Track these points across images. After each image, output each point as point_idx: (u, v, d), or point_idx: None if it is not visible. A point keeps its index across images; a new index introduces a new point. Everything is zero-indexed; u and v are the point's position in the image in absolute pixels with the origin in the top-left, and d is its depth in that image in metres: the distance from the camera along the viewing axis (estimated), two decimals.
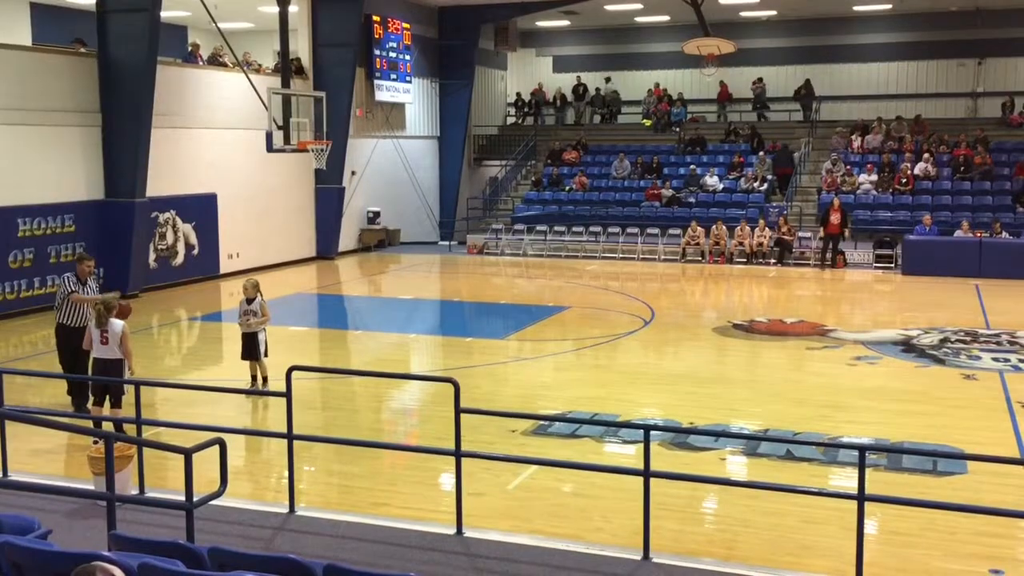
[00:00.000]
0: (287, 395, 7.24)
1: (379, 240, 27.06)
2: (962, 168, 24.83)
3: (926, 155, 25.28)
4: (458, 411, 6.77)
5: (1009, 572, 6.48)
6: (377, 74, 25.78)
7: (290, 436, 7.25)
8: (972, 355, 13.23)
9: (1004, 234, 21.49)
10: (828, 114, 28.31)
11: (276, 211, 22.94)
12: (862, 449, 6.07)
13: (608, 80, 31.55)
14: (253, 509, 7.34)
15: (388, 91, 26.39)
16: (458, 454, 6.78)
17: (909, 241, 21.78)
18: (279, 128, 18.58)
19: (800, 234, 23.61)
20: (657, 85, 30.36)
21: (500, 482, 8.15)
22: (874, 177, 25.11)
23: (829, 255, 22.45)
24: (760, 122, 29.10)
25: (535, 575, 6.04)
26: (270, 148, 18.75)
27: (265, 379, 11.34)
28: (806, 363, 13.22)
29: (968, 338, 14.30)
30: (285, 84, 19.88)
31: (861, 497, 5.82)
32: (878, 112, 27.38)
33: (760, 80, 29.54)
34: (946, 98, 27.32)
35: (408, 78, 27.20)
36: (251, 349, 11.30)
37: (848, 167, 25.68)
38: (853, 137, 26.81)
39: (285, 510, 7.22)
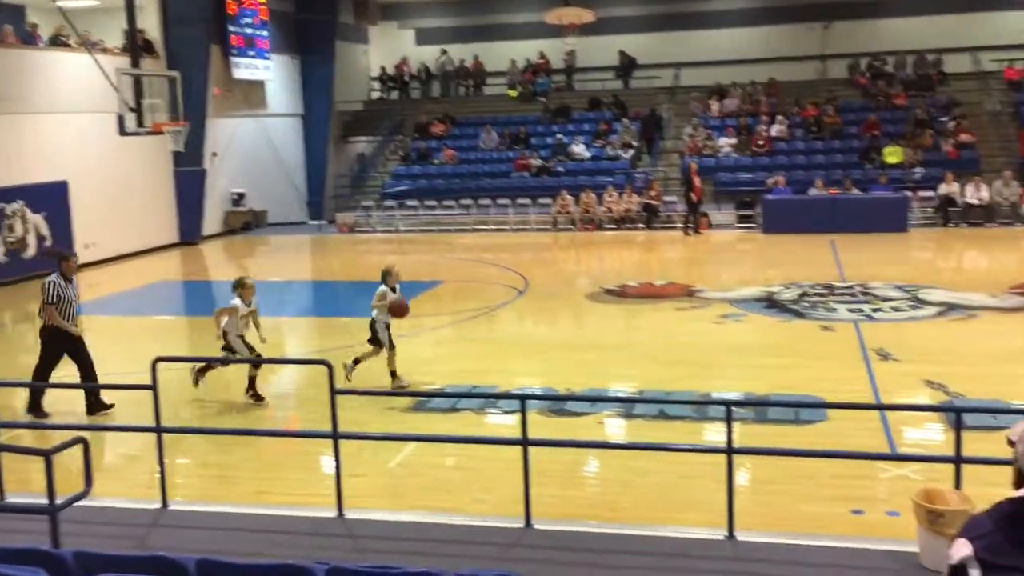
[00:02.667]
0: (153, 387, 6.98)
1: (245, 222, 26.36)
2: (814, 128, 25.87)
3: (780, 117, 26.23)
4: (333, 393, 6.68)
5: (868, 511, 6.85)
6: (233, 51, 24.97)
7: (159, 429, 7.01)
8: (829, 307, 13.86)
9: (855, 190, 22.53)
10: (689, 79, 28.97)
11: (133, 197, 22.02)
12: (729, 404, 6.29)
13: (442, 51, 31.37)
14: (124, 508, 7.08)
15: (246, 68, 25.61)
16: (335, 436, 6.69)
17: (768, 201, 22.60)
18: (132, 110, 17.79)
19: (666, 198, 24.18)
20: (541, 55, 30.39)
21: (380, 461, 8.11)
22: (733, 140, 25.91)
23: (692, 218, 23.07)
24: (623, 89, 29.55)
25: (418, 551, 6.04)
26: (123, 131, 17.97)
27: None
28: (676, 324, 13.58)
29: (825, 291, 14.98)
30: (135, 64, 19.02)
31: (730, 450, 6.03)
32: (734, 77, 28.19)
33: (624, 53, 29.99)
34: (796, 61, 28.31)
35: (266, 55, 26.46)
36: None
37: (708, 131, 26.41)
38: (711, 102, 27.56)
39: (158, 506, 6.99)
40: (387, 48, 32.49)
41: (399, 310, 10.56)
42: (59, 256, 10.14)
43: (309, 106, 28.81)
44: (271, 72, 26.87)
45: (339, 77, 29.31)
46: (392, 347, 10.59)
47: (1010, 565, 2.49)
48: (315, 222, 27.80)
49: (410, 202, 26.17)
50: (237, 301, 10.14)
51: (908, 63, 27.61)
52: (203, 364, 10.42)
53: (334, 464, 6.73)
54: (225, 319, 10.12)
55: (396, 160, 28.60)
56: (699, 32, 29.56)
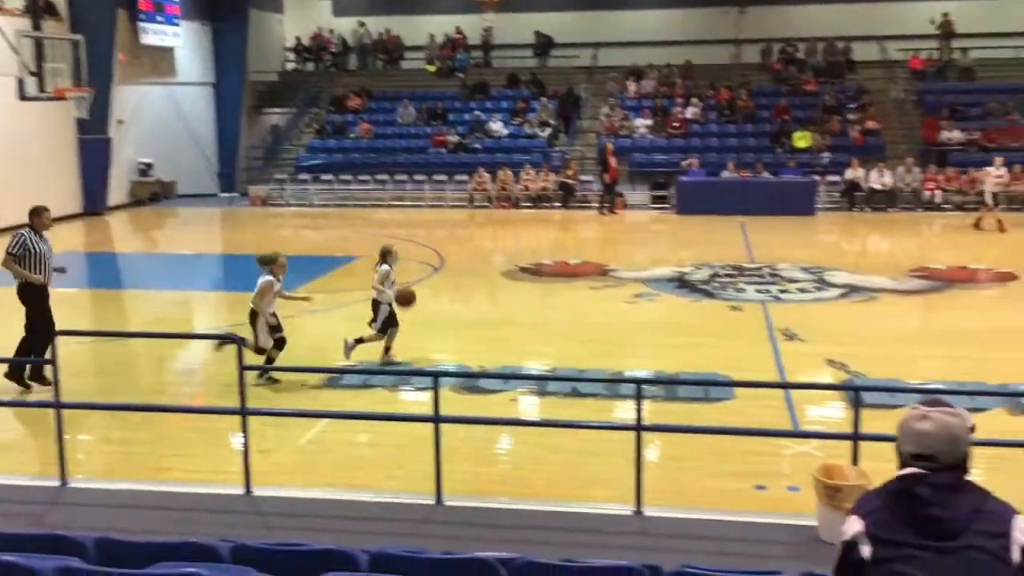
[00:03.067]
0: (52, 362, 6.76)
1: (153, 193, 25.65)
2: (727, 112, 26.32)
3: (695, 100, 26.60)
4: (241, 368, 6.56)
5: (771, 486, 7.04)
6: (141, 16, 24.18)
7: (58, 405, 6.80)
8: (738, 288, 14.16)
9: (765, 173, 23.02)
10: (606, 60, 29.14)
11: (33, 165, 21.19)
12: (639, 382, 6.38)
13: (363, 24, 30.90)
14: (21, 485, 6.86)
15: (155, 35, 24.83)
16: (244, 412, 6.58)
17: (682, 182, 22.94)
18: (32, 74, 17.12)
19: (583, 178, 24.33)
20: (458, 30, 30.13)
21: (291, 437, 8.01)
22: (649, 121, 26.18)
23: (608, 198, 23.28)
24: (541, 68, 29.57)
25: (328, 528, 5.99)
26: (23, 96, 17.28)
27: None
28: (590, 303, 13.70)
29: (735, 272, 15.29)
30: (36, 26, 18.29)
31: (639, 428, 6.13)
32: (651, 58, 28.44)
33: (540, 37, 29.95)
34: (712, 45, 28.72)
35: (176, 20, 25.68)
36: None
37: (625, 112, 26.63)
38: (628, 83, 27.78)
39: (57, 483, 6.79)
40: (303, 18, 31.86)
41: (407, 300, 10.41)
42: (32, 210, 9.72)
43: (221, 75, 28.10)
44: (181, 39, 26.10)
45: (253, 46, 28.64)
46: (395, 326, 10.40)
47: (898, 540, 2.59)
48: (226, 194, 27.20)
49: (325, 176, 25.80)
50: (270, 278, 9.64)
51: (818, 50, 28.26)
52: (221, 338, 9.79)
53: (242, 441, 6.63)
54: (265, 300, 9.61)
55: (311, 133, 28.13)
56: (617, 12, 29.73)
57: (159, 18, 24.93)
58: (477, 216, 23.41)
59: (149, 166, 25.59)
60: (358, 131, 27.12)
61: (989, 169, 20.36)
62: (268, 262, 9.72)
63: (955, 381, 9.35)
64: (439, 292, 14.73)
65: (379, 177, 25.57)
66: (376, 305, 10.35)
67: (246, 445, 6.59)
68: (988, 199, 19.95)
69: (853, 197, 22.82)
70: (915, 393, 8.06)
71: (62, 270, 9.81)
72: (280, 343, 9.69)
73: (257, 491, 6.59)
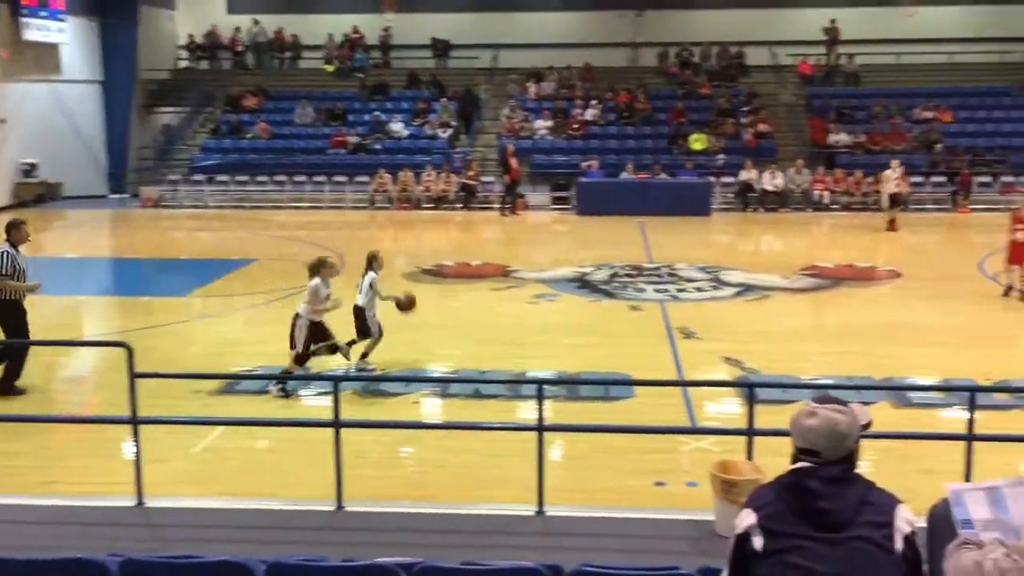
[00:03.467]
0: None
1: (38, 195, 24.65)
2: (626, 114, 26.72)
3: (594, 102, 26.92)
4: (132, 376, 6.34)
5: (670, 482, 7.17)
6: (24, 11, 23.23)
7: None
8: (637, 288, 14.38)
9: (663, 174, 23.44)
10: (507, 61, 29.23)
11: None
12: (540, 383, 6.41)
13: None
14: None
15: (38, 30, 23.88)
16: (135, 421, 6.36)
17: (582, 183, 23.18)
18: None
19: (484, 179, 24.36)
20: (355, 29, 29.77)
21: (186, 446, 7.79)
22: (549, 123, 26.38)
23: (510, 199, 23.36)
24: (441, 69, 29.50)
25: (224, 538, 5.83)
26: None
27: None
28: (492, 304, 13.72)
29: (634, 272, 15.52)
30: None
31: (540, 428, 6.15)
32: (551, 60, 28.67)
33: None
34: (610, 48, 29.11)
35: (61, 16, 24.74)
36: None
37: (525, 113, 26.78)
38: (529, 84, 27.94)
39: None
40: (196, 15, 31.07)
41: (409, 306, 10.29)
42: (9, 224, 9.54)
43: (110, 73, 27.17)
44: (66, 35, 25.16)
45: (143, 43, 27.80)
46: (380, 335, 10.12)
47: (789, 532, 2.66)
48: (116, 196, 26.32)
49: (221, 177, 25.21)
50: (317, 282, 9.35)
51: (713, 54, 28.93)
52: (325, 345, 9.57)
53: (134, 450, 6.40)
54: (304, 306, 9.35)
55: (206, 133, 27.45)
56: (517, 14, 29.88)
57: (43, 13, 23.98)
58: (378, 218, 23.21)
59: (33, 166, 24.59)
60: (255, 131, 26.59)
61: (887, 172, 21.03)
62: (316, 267, 9.50)
63: (844, 376, 9.69)
64: (339, 295, 14.52)
65: (277, 178, 25.12)
66: (361, 312, 10.05)
67: (138, 455, 6.37)
68: (884, 202, 20.65)
69: (747, 198, 23.43)
70: (806, 389, 8.33)
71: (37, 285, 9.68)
72: (307, 354, 9.45)
73: (150, 502, 6.37)
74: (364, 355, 10.15)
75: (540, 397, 6.23)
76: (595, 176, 23.67)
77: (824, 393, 2.93)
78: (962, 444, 6.04)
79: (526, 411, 8.76)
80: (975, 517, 2.62)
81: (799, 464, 2.75)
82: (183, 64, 30.57)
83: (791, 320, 12.71)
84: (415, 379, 9.65)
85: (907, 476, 6.29)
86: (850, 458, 2.76)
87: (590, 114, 26.60)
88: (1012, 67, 27.74)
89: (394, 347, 11.14)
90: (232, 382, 9.58)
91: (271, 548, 5.18)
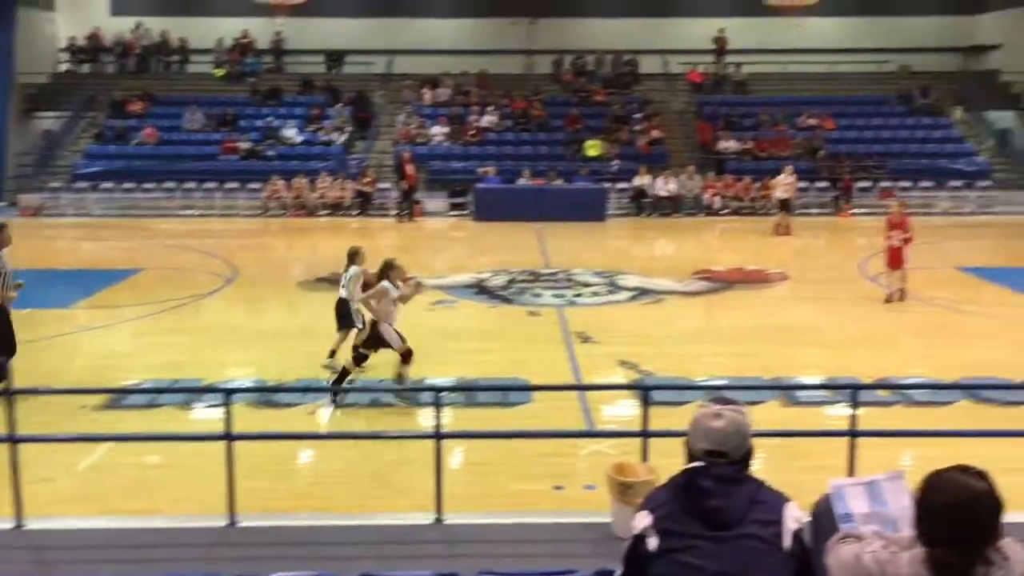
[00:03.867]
0: None
1: None
2: (522, 120, 26.90)
3: (490, 108, 27.02)
4: (9, 393, 6.06)
5: (569, 486, 7.22)
6: None
7: None
8: (535, 293, 14.47)
9: (559, 180, 23.67)
10: (402, 67, 29.08)
11: None
12: (438, 390, 6.38)
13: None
14: None
15: None
16: (12, 440, 6.07)
17: (479, 190, 23.23)
18: None
19: (380, 185, 24.17)
20: (244, 34, 29.15)
21: (70, 464, 7.48)
22: (446, 129, 26.36)
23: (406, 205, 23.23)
24: (335, 74, 29.16)
25: (110, 559, 5.62)
26: None
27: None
28: None
29: (531, 278, 15.62)
30: None
31: (438, 435, 6.12)
32: (447, 67, 28.65)
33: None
34: (505, 55, 29.25)
35: None
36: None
37: (421, 119, 26.69)
38: (424, 91, 27.86)
39: None
40: (77, 17, 29.95)
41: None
42: None
43: None
44: None
45: (21, 46, 26.63)
46: (360, 329, 10.00)
47: (682, 531, 2.70)
48: None
49: (105, 184, 24.36)
50: (386, 284, 9.42)
51: (607, 62, 29.38)
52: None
53: (11, 471, 6.11)
54: (375, 303, 9.39)
55: (89, 139, 26.49)
56: (411, 20, 29.77)
57: None
58: (272, 225, 22.78)
59: None
60: (141, 137, 25.79)
61: (779, 177, 21.62)
62: (386, 268, 9.59)
63: (736, 377, 9.93)
64: (232, 304, 14.22)
65: (166, 185, 24.42)
66: (343, 305, 10.08)
67: (15, 475, 6.08)
68: (778, 205, 21.22)
69: (641, 203, 23.85)
70: (700, 390, 8.51)
71: (21, 286, 9.52)
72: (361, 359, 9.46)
73: (31, 524, 6.09)
74: (332, 353, 10.25)
75: (438, 404, 6.20)
76: (492, 182, 23.75)
77: (719, 394, 2.99)
78: (846, 440, 6.25)
79: (425, 419, 8.72)
80: (855, 511, 2.71)
81: (693, 464, 2.79)
82: (64, 67, 29.44)
83: (685, 323, 12.97)
84: (311, 389, 9.49)
85: (796, 473, 6.47)
86: (747, 458, 2.82)
87: (486, 121, 26.69)
88: (889, 77, 29.00)
89: (288, 356, 10.97)
90: (119, 396, 9.25)
91: (160, 567, 5.01)
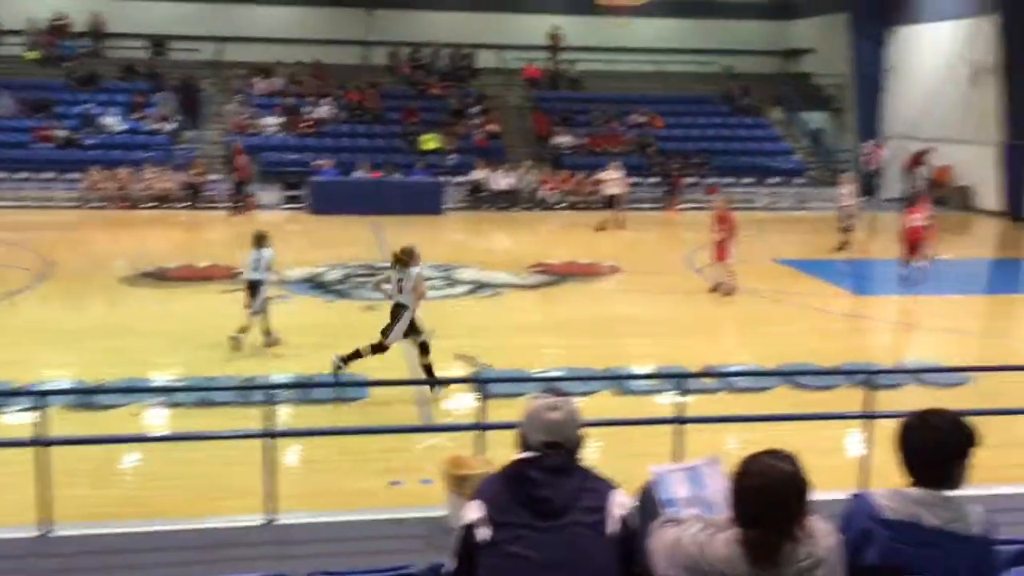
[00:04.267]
0: None
1: None
2: (358, 112, 26.55)
3: (326, 99, 26.54)
4: None
5: (406, 481, 7.19)
6: None
7: None
8: (372, 288, 14.29)
9: (397, 174, 23.51)
10: (232, 55, 28.13)
11: None
12: (269, 387, 6.22)
13: None
14: None
15: None
16: None
17: (315, 182, 22.77)
18: None
19: (210, 177, 23.34)
20: (58, 15, 27.40)
21: None
22: (279, 120, 25.70)
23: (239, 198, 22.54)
24: (160, 60, 27.92)
25: None
26: None
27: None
28: (221, 307, 13.13)
29: (368, 272, 15.44)
30: None
31: (270, 434, 5.97)
32: (279, 56, 27.92)
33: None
34: (341, 45, 28.79)
35: None
36: None
37: (253, 109, 25.93)
38: (256, 79, 27.08)
39: None
40: None
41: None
42: None
43: None
44: None
45: None
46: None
47: (512, 522, 2.72)
48: None
49: None
50: (419, 269, 9.51)
51: (444, 55, 29.38)
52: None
53: None
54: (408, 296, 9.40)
55: None
56: (242, 7, 28.86)
57: None
58: (92, 218, 21.60)
59: None
60: None
61: (605, 172, 22.03)
62: (410, 255, 9.58)
63: (570, 368, 10.14)
64: (47, 301, 13.41)
65: None
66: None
67: None
68: (606, 201, 21.63)
69: (478, 197, 24.00)
70: (536, 382, 8.64)
71: None
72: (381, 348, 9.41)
73: None
74: (242, 330, 10.40)
75: (270, 402, 6.04)
76: (328, 175, 23.34)
77: (552, 385, 3.03)
78: (673, 427, 6.48)
79: (258, 417, 8.47)
80: (676, 496, 2.80)
81: (523, 455, 2.82)
82: None
83: (522, 315, 13.15)
84: (134, 389, 9.06)
85: (627, 459, 6.67)
86: (578, 447, 2.87)
87: (322, 112, 26.19)
88: (713, 77, 30.28)
89: (108, 355, 10.45)
90: None
91: None
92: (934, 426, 2.84)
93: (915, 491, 2.82)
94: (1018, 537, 3.77)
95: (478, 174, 24.01)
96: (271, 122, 25.61)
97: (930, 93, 25.36)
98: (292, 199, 23.29)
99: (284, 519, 5.98)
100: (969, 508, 2.85)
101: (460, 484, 5.58)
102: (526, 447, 2.84)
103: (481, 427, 6.19)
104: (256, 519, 5.98)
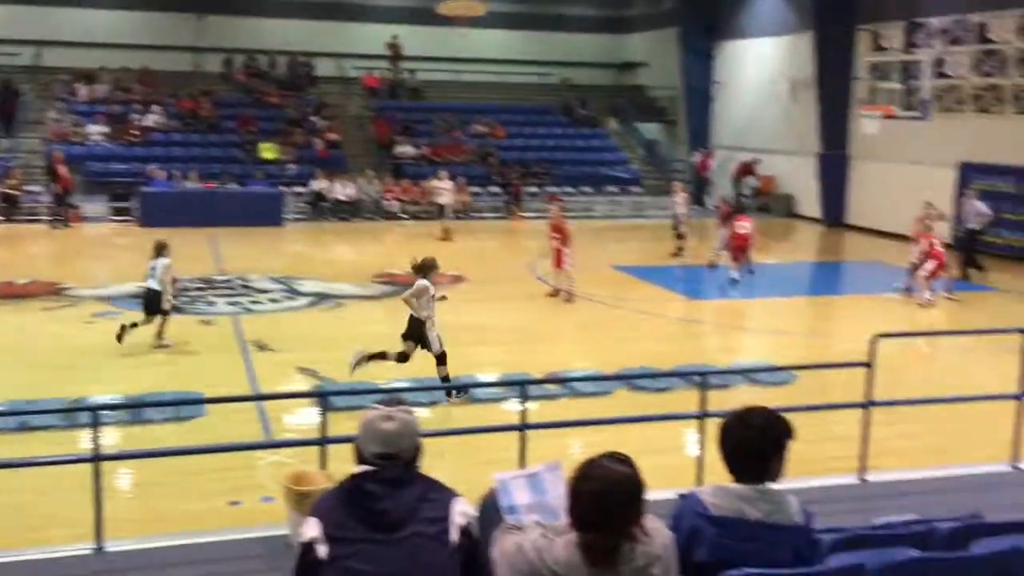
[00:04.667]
0: None
1: None
2: (191, 121, 25.64)
3: (156, 107, 25.50)
4: None
5: (246, 500, 6.96)
6: None
7: None
8: (208, 301, 13.85)
9: (233, 184, 22.82)
10: (52, 60, 26.63)
11: None
12: (95, 409, 5.89)
13: None
14: None
15: None
16: None
17: (145, 193, 21.82)
18: None
19: (28, 188, 22.00)
20: None
21: None
22: (105, 128, 24.52)
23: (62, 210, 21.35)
24: None
25: None
26: None
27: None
28: (42, 325, 12.44)
29: (204, 285, 14.92)
30: None
31: (96, 458, 5.66)
32: (104, 61, 26.64)
33: None
34: (171, 51, 27.72)
35: None
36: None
37: (76, 117, 24.64)
38: (79, 86, 25.75)
39: None
40: None
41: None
42: None
43: None
44: None
45: None
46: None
47: (351, 537, 2.67)
48: None
49: None
50: (426, 281, 9.64)
51: (281, 63, 28.77)
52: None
53: None
54: (415, 300, 9.60)
55: None
56: (63, 9, 27.39)
57: None
58: None
59: None
60: None
61: (435, 182, 22.20)
62: (429, 268, 9.82)
63: (415, 378, 10.07)
64: None
65: None
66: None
67: None
68: (436, 210, 21.78)
69: (320, 207, 23.59)
70: (381, 394, 8.54)
71: None
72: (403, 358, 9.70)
73: None
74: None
75: (96, 424, 5.73)
76: (160, 185, 22.41)
77: (392, 396, 2.99)
78: (518, 433, 6.53)
79: (85, 441, 8.02)
80: (518, 502, 2.81)
81: (360, 468, 2.77)
82: None
83: (365, 327, 12.96)
84: None
85: (474, 468, 6.68)
86: (416, 458, 2.84)
87: (151, 120, 25.15)
88: (552, 89, 30.89)
89: None
90: None
91: None
92: (750, 424, 2.99)
93: (737, 487, 2.96)
94: (837, 526, 3.98)
95: (318, 184, 23.61)
96: (95, 130, 24.40)
97: (755, 106, 26.70)
98: (120, 211, 22.22)
99: (115, 546, 5.67)
100: (789, 499, 3.00)
101: (302, 501, 5.43)
102: (362, 460, 2.79)
103: (322, 442, 6.05)
104: (83, 548, 5.64)
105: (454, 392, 9.58)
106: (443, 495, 2.79)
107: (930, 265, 14.61)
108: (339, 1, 30.14)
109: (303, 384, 9.93)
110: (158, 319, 11.25)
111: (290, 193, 23.57)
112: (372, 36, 29.51)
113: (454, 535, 2.71)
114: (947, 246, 15.95)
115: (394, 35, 29.41)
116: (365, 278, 15.94)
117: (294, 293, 14.65)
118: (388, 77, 29.49)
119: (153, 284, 11.18)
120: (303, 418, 8.91)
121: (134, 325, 11.06)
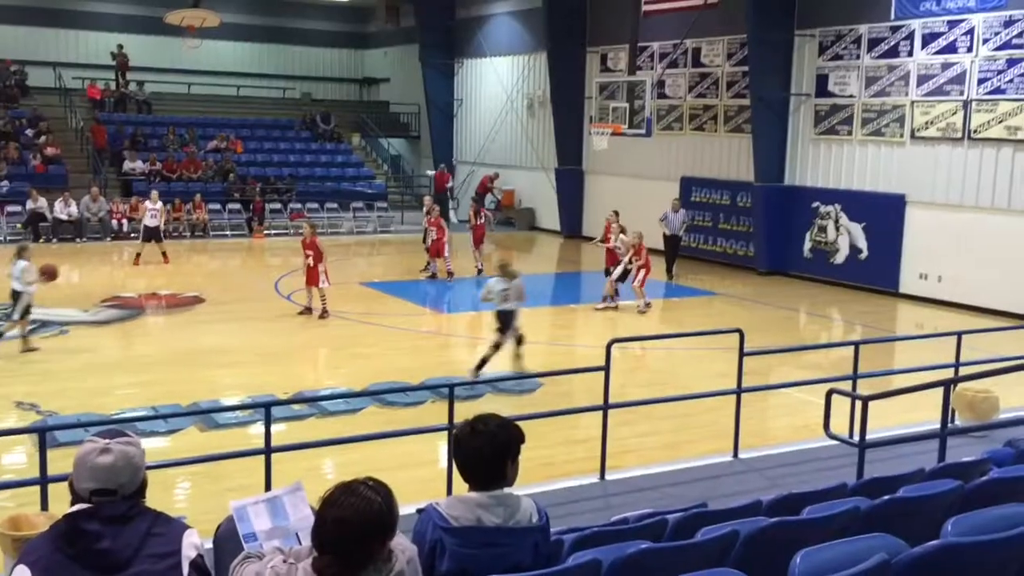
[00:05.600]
0: None
1: None
2: None
3: None
4: None
5: None
6: None
7: None
8: None
9: None
10: None
11: None
12: None
13: None
14: None
15: None
16: None
17: None
18: None
19: None
20: None
21: None
22: None
23: None
24: None
25: None
26: None
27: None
28: None
29: None
30: None
31: None
32: None
33: None
34: None
35: None
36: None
37: None
38: None
39: None
40: None
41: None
42: None
43: None
44: None
45: None
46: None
47: None
48: None
49: None
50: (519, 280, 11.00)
51: None
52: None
53: None
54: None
55: None
56: None
57: None
58: None
59: None
60: None
61: (146, 203, 20.06)
62: (508, 269, 11.16)
63: (151, 406, 9.48)
64: None
65: None
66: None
67: None
68: (143, 233, 19.48)
69: (38, 228, 21.75)
70: (110, 424, 7.94)
71: None
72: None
73: None
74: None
75: None
76: None
77: (110, 428, 2.75)
78: (263, 457, 6.29)
79: None
80: (258, 529, 2.68)
81: (77, 506, 2.53)
82: None
83: (94, 355, 12.08)
84: None
85: (219, 496, 6.37)
86: (140, 491, 2.63)
87: None
88: (294, 103, 30.29)
89: None
90: None
91: None
92: (480, 432, 3.04)
93: (474, 495, 2.99)
94: (578, 525, 4.12)
95: (34, 203, 21.74)
96: None
97: (495, 122, 27.46)
98: None
99: None
100: (524, 502, 3.07)
101: (19, 548, 4.94)
102: (78, 499, 2.55)
103: (43, 481, 5.54)
104: None
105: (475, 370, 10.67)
106: (171, 528, 2.59)
107: (641, 275, 15.59)
108: (57, 7, 28.07)
109: (20, 419, 9.06)
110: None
111: (4, 213, 21.57)
112: (94, 45, 27.72)
113: (185, 569, 2.53)
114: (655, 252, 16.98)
115: (119, 44, 27.72)
116: (91, 303, 14.86)
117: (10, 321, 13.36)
118: (113, 88, 27.74)
119: (16, 285, 11.76)
120: (22, 457, 8.16)
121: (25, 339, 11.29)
